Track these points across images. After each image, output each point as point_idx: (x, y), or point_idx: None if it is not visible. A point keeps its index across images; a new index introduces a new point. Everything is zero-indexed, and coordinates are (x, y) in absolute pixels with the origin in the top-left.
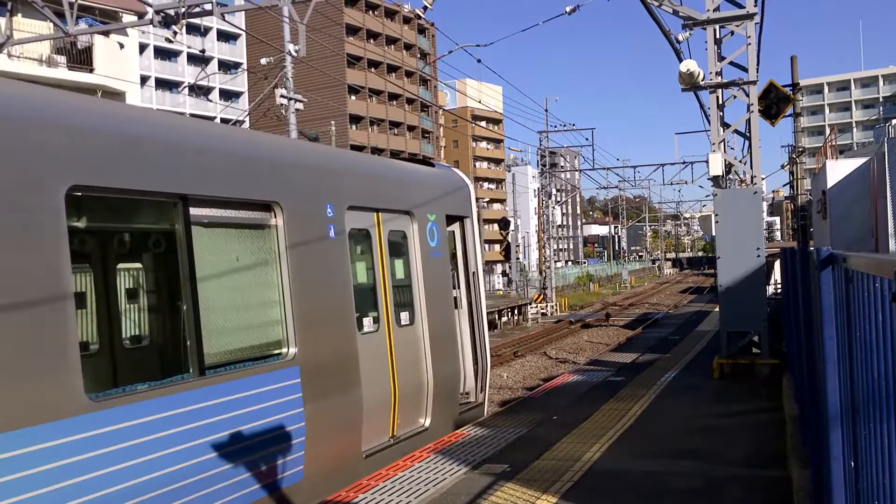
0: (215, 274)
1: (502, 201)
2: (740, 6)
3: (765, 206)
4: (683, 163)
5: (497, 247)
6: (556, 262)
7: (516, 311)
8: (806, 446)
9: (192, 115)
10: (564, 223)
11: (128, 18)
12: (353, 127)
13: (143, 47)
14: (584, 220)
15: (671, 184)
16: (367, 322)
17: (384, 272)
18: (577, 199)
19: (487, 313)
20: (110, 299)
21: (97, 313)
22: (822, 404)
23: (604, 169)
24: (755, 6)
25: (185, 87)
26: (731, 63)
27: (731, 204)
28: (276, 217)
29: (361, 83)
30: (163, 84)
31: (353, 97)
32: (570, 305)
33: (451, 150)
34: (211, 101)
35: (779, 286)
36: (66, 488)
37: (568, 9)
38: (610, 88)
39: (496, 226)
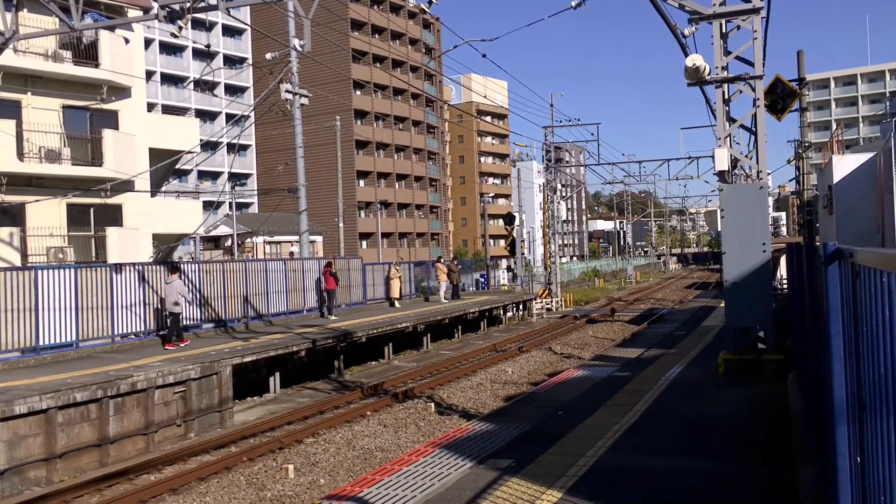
0: None
1: (507, 196)
2: (746, 0)
3: (770, 201)
4: (689, 158)
5: (502, 242)
6: (561, 257)
7: (521, 307)
8: (812, 443)
9: (198, 110)
10: (569, 218)
11: (133, 13)
12: (358, 122)
13: (148, 42)
14: (589, 216)
15: (677, 179)
16: None
17: None
18: (583, 195)
19: (493, 308)
20: None
21: None
22: (827, 400)
23: (609, 164)
24: (761, 1)
25: (190, 82)
26: (738, 58)
27: (737, 199)
28: None
29: (366, 78)
30: (168, 79)
31: (358, 92)
32: (575, 301)
33: (456, 145)
34: (216, 96)
35: (784, 282)
36: None
37: (574, 3)
38: (616, 83)
39: (501, 221)
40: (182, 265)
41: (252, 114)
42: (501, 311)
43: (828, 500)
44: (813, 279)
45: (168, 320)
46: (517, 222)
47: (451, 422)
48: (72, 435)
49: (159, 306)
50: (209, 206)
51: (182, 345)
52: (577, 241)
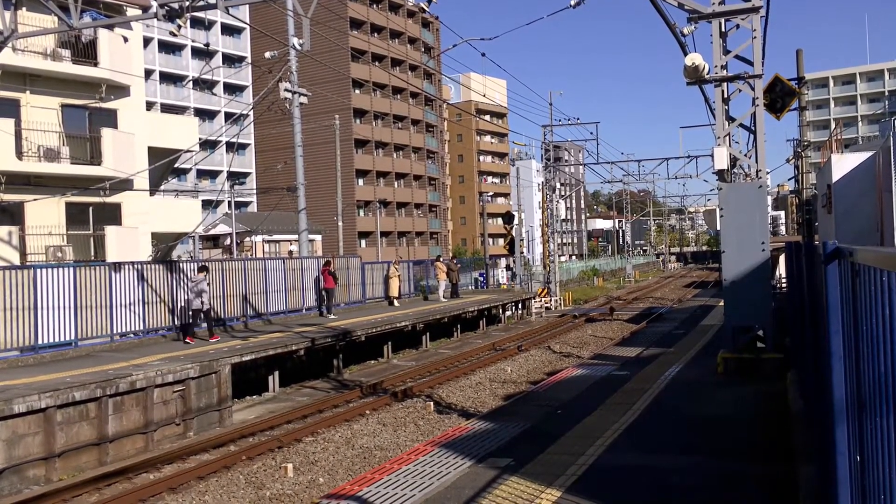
0: None
1: (506, 195)
2: None
3: (770, 200)
4: (688, 157)
5: (501, 241)
6: (560, 256)
7: (520, 306)
8: (811, 442)
9: (196, 109)
10: (568, 217)
11: (132, 12)
12: (357, 121)
13: (147, 41)
14: (588, 215)
15: (676, 178)
16: None
17: None
18: (582, 194)
19: (492, 307)
20: None
21: None
22: (827, 399)
23: (608, 163)
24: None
25: (189, 80)
26: (737, 57)
27: (736, 198)
28: None
29: (365, 77)
30: (167, 78)
31: (357, 91)
32: (574, 300)
33: (455, 143)
34: (215, 95)
35: (783, 280)
36: None
37: (573, 2)
38: (615, 82)
39: (500, 220)
40: (208, 265)
41: (251, 112)
42: (500, 310)
43: (828, 499)
44: (812, 278)
45: (203, 315)
46: (516, 221)
47: (450, 421)
48: (71, 434)
49: (184, 304)
50: (208, 204)
51: (190, 343)
52: (576, 240)
